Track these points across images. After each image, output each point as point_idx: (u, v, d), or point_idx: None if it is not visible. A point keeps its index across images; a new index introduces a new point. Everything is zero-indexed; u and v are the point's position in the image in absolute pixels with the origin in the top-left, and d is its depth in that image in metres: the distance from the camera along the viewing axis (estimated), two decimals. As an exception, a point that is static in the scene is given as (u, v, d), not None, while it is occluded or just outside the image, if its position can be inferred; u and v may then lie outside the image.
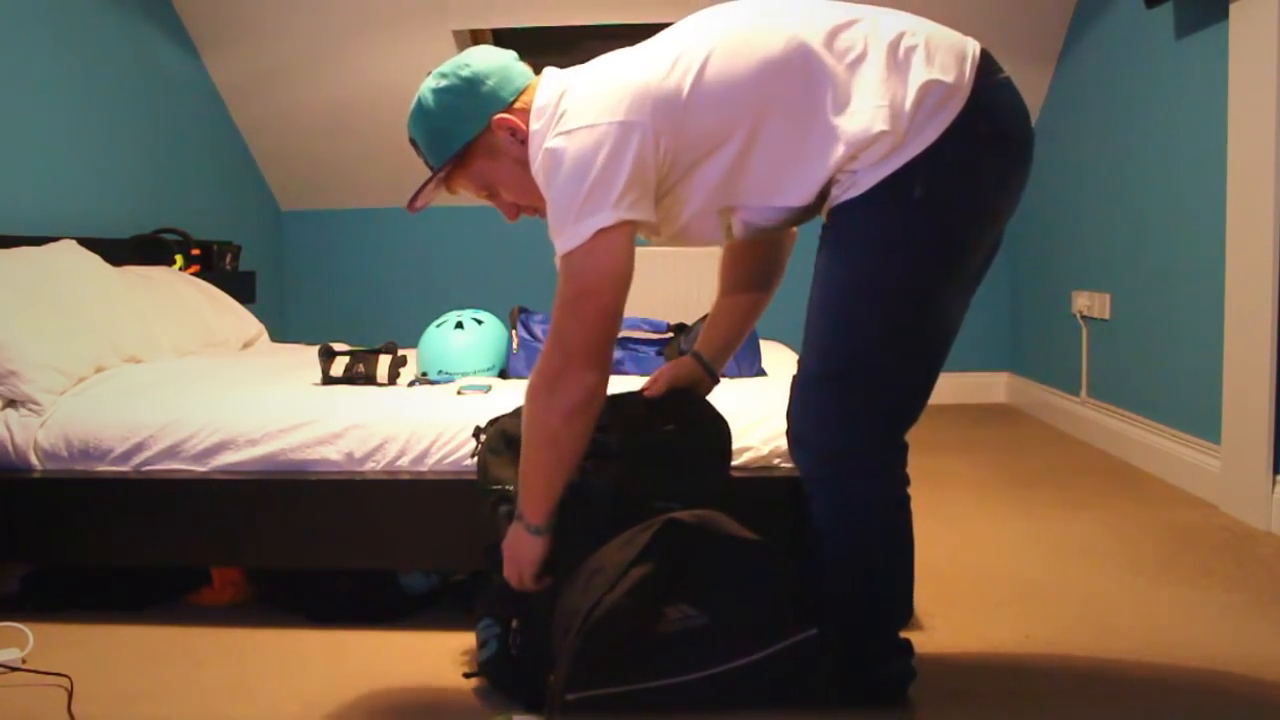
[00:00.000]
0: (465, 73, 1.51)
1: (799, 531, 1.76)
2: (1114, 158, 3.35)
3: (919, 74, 1.37)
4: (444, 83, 1.52)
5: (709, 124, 1.39)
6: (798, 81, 1.38)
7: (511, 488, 1.60)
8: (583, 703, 1.41)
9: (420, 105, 1.54)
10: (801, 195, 1.43)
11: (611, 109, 1.38)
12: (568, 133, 1.39)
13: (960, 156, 1.39)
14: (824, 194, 1.45)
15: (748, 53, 1.39)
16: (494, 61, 1.53)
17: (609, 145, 1.36)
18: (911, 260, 1.41)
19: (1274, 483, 2.41)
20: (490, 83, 1.51)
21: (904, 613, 1.54)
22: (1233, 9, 2.52)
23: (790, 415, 1.51)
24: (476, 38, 4.04)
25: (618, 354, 2.28)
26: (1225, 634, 1.83)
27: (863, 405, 1.45)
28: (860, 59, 1.38)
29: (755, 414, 1.92)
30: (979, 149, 1.40)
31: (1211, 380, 2.69)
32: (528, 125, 1.50)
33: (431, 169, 1.57)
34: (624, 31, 3.95)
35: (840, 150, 1.37)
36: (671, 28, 1.50)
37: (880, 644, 1.53)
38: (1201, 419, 2.78)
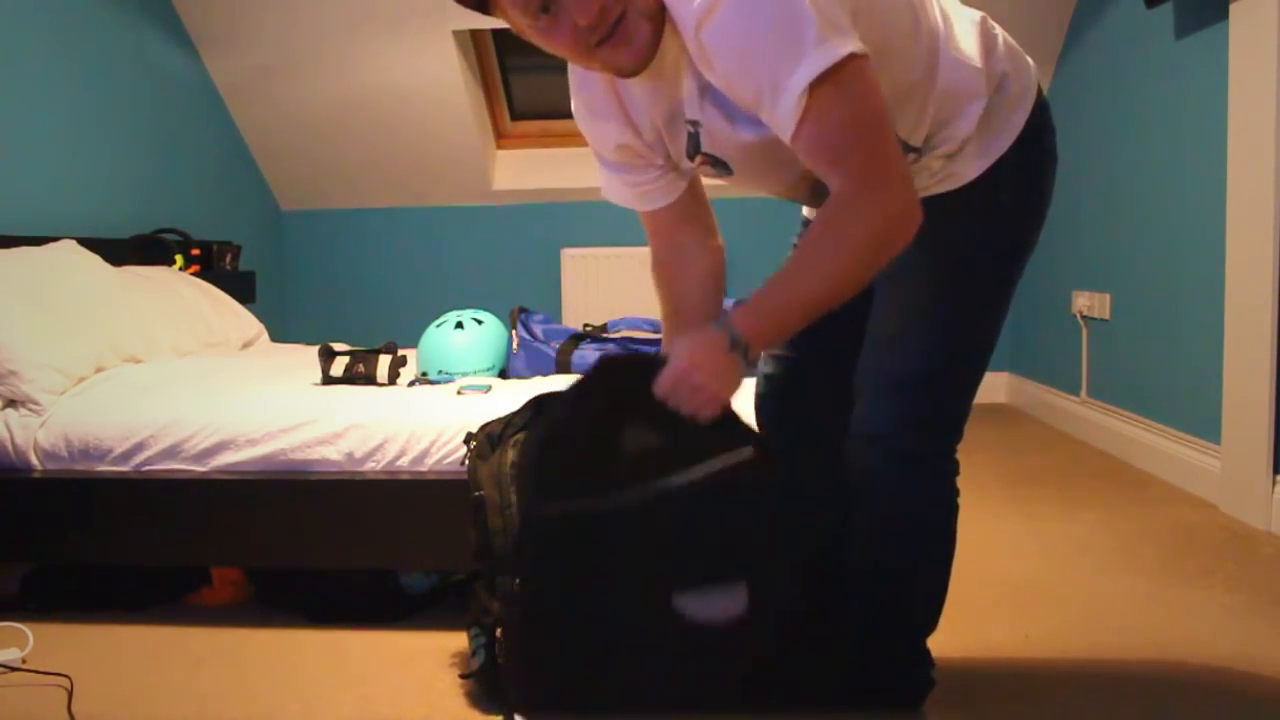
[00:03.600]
0: None
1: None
2: (1114, 157, 3.35)
3: (1002, 60, 1.40)
4: None
5: (879, 12, 1.29)
6: (930, 21, 1.36)
7: (484, 493, 1.60)
8: (543, 520, 1.37)
9: None
10: (898, 123, 1.34)
11: None
12: None
13: (1034, 166, 1.43)
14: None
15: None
16: None
17: None
18: (1005, 267, 1.44)
19: (1274, 483, 2.41)
20: None
21: (933, 622, 1.53)
22: (1233, 9, 2.52)
23: (868, 416, 1.46)
24: (476, 38, 4.04)
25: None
26: (1225, 634, 1.82)
27: (947, 408, 1.46)
28: (957, 21, 1.40)
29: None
30: (1044, 160, 1.45)
31: (1211, 380, 2.68)
32: None
33: None
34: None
35: (939, 92, 1.35)
36: None
37: (906, 650, 1.52)
38: (1201, 419, 2.78)
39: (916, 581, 1.50)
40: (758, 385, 1.71)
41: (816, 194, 1.50)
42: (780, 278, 1.29)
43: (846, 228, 1.24)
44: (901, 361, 1.45)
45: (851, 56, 1.16)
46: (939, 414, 1.46)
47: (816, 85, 1.16)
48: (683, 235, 1.58)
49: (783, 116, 1.20)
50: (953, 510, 1.50)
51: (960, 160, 1.39)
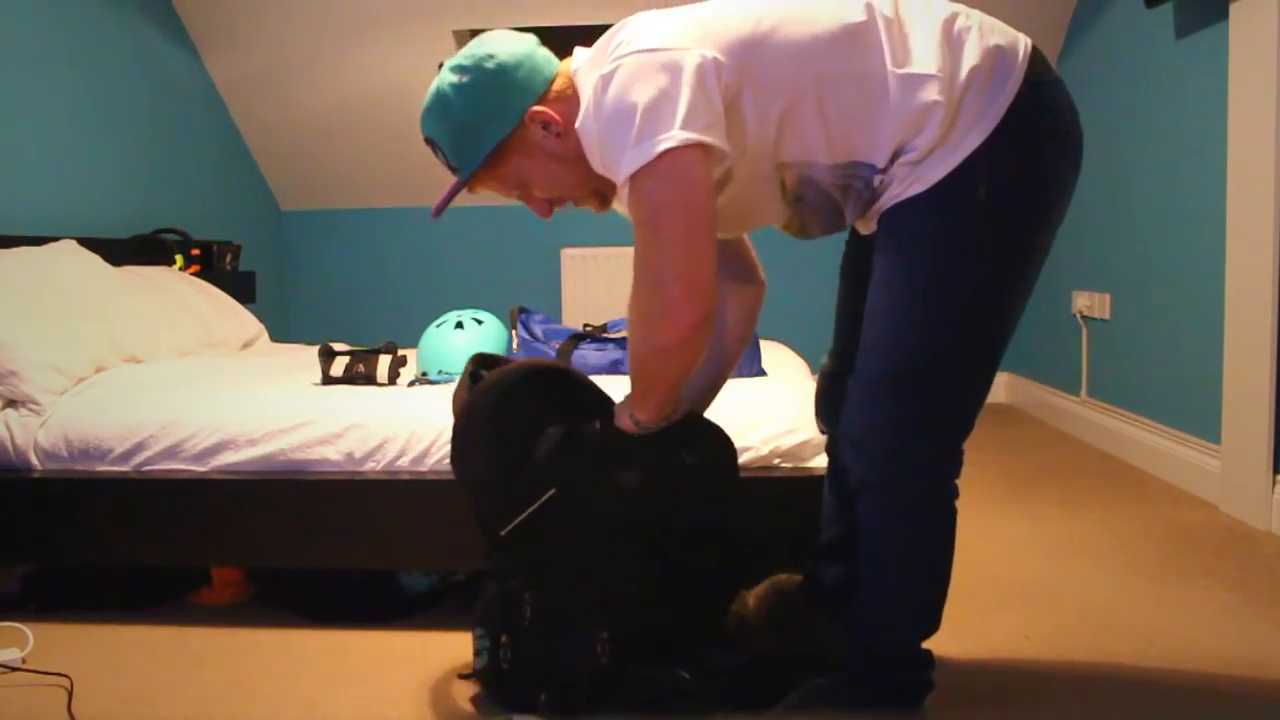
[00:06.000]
0: (491, 64, 1.42)
1: (803, 528, 1.77)
2: (1114, 158, 3.35)
3: (972, 55, 1.35)
4: (467, 77, 1.42)
5: (774, 72, 1.34)
6: (863, 45, 1.35)
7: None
8: (513, 533, 1.48)
9: (442, 102, 1.44)
10: (857, 152, 1.37)
11: (673, 38, 1.31)
12: (622, 57, 1.30)
13: (1023, 154, 1.37)
14: (873, 193, 1.42)
15: (823, 14, 1.35)
16: (519, 48, 1.45)
17: (671, 69, 1.28)
18: (983, 263, 1.38)
19: (1274, 483, 2.41)
20: (520, 73, 1.42)
21: (932, 623, 1.51)
22: (1233, 9, 2.52)
23: (846, 419, 1.46)
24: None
25: (619, 354, 2.28)
26: (1225, 634, 1.83)
27: (926, 410, 1.42)
28: (915, 30, 1.37)
29: (755, 414, 1.91)
30: (1040, 146, 1.38)
31: (1211, 380, 2.68)
32: (563, 116, 1.42)
33: (454, 170, 1.49)
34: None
35: (894, 111, 1.34)
36: None
37: (904, 649, 1.51)
38: (1201, 419, 2.78)
39: (909, 583, 1.49)
40: (818, 381, 1.74)
41: (809, 227, 1.52)
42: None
43: (634, 326, 1.38)
44: (873, 363, 1.43)
45: (666, 152, 1.26)
46: (912, 416, 1.41)
47: (632, 180, 1.29)
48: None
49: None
50: (945, 512, 1.47)
51: (926, 164, 1.36)
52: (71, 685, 1.68)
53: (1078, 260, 3.68)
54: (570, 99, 1.43)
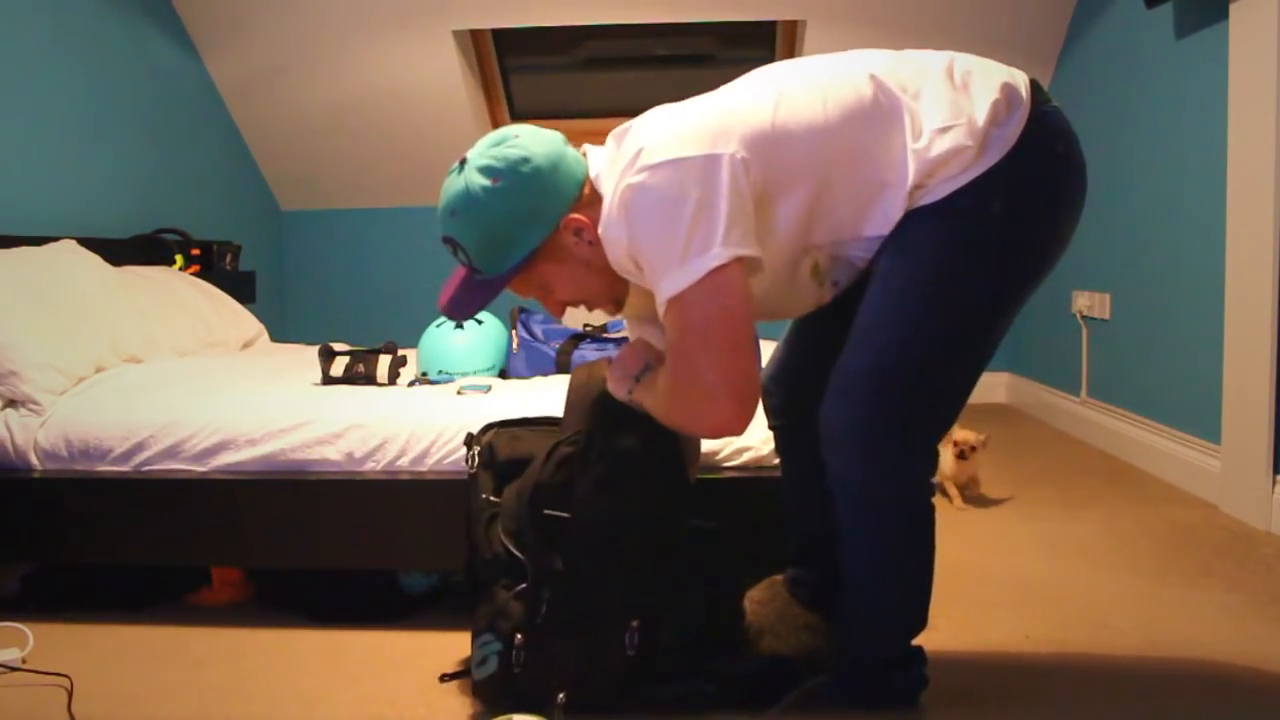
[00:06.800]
0: (527, 169, 1.37)
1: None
2: (1114, 158, 3.35)
3: (986, 92, 1.38)
4: (502, 181, 1.37)
5: (797, 159, 1.35)
6: (880, 116, 1.37)
7: (497, 499, 1.59)
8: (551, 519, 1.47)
9: (472, 205, 1.38)
10: (888, 224, 1.39)
11: (697, 142, 1.30)
12: (651, 168, 1.29)
13: (1038, 174, 1.39)
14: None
15: (832, 91, 1.37)
16: (553, 150, 1.41)
17: (703, 179, 1.28)
18: (986, 273, 1.40)
19: (1274, 483, 2.41)
20: (556, 178, 1.39)
21: (919, 620, 1.51)
22: (1233, 9, 2.52)
23: (824, 415, 1.45)
24: (476, 38, 4.04)
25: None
26: (1225, 634, 1.83)
27: (904, 406, 1.42)
28: (921, 90, 1.39)
29: (755, 414, 1.91)
30: (1053, 168, 1.41)
31: (1211, 380, 2.69)
32: (593, 221, 1.40)
33: (474, 271, 1.43)
34: (623, 31, 3.95)
35: (921, 173, 1.36)
36: (741, 78, 1.46)
37: (894, 650, 1.51)
38: (1201, 419, 2.78)
39: (891, 583, 1.48)
40: (766, 369, 1.74)
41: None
42: (655, 394, 1.44)
43: (674, 412, 1.40)
44: (855, 357, 1.43)
45: (712, 271, 1.26)
46: (892, 413, 1.41)
47: (676, 298, 1.29)
48: None
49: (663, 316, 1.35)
50: (922, 509, 1.46)
51: (936, 185, 1.37)
52: (71, 685, 1.68)
53: (1078, 260, 3.67)
54: (596, 204, 1.42)
